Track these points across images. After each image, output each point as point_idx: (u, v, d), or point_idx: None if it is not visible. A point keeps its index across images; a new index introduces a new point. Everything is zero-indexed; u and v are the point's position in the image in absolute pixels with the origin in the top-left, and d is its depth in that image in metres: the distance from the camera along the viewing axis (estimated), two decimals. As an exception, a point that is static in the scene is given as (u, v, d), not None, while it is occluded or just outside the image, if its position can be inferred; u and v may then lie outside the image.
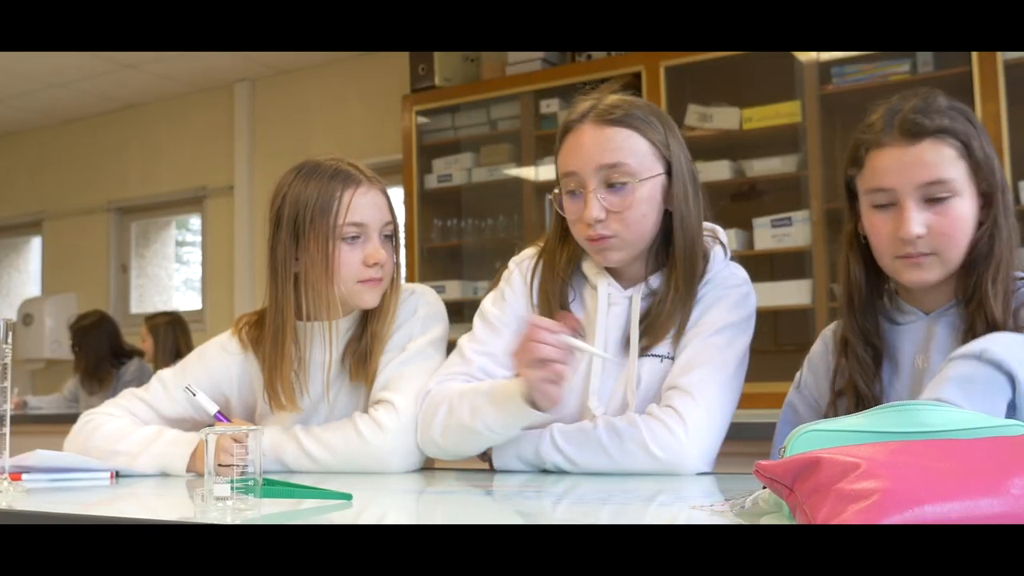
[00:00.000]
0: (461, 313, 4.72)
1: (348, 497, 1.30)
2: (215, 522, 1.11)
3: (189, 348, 5.15)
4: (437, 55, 4.73)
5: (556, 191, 1.71)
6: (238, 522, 1.11)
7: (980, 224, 1.51)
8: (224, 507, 1.16)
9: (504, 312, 1.78)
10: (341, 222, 1.76)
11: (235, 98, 6.08)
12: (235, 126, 6.07)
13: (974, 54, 3.52)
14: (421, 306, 1.90)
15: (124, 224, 6.67)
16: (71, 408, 5.27)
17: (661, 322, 1.67)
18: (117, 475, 1.69)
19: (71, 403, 5.37)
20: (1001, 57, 3.50)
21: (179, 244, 6.84)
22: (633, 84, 4.22)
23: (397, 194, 4.98)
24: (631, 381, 1.66)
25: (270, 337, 1.83)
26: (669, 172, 1.66)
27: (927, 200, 1.49)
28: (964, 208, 1.49)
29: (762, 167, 4.04)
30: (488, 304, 1.81)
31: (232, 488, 1.17)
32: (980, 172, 1.50)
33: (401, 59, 5.03)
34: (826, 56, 3.91)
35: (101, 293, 6.56)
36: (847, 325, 1.61)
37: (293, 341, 1.82)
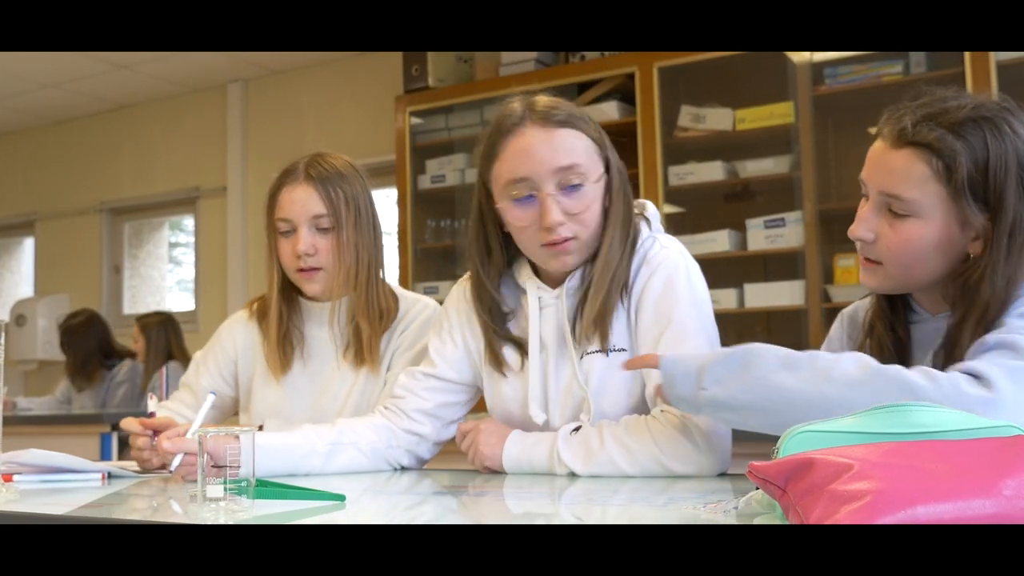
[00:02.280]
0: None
1: (341, 498, 1.30)
2: (208, 523, 1.11)
3: (181, 349, 5.14)
4: (430, 56, 4.73)
5: (477, 203, 1.69)
6: (231, 523, 1.11)
7: (972, 255, 1.38)
8: (217, 508, 1.16)
9: (441, 345, 1.80)
10: (274, 217, 1.96)
11: (228, 99, 6.07)
12: (228, 127, 6.06)
13: (967, 54, 3.53)
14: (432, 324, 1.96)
15: (117, 225, 6.66)
16: (62, 409, 5.25)
17: (591, 318, 1.62)
18: (109, 476, 1.69)
19: (63, 404, 5.35)
20: (994, 57, 3.51)
21: (172, 245, 6.83)
22: (627, 85, 4.22)
23: (390, 195, 4.97)
24: (576, 380, 1.64)
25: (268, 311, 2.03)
26: (608, 169, 1.65)
27: (889, 209, 1.41)
28: (923, 231, 1.38)
29: (755, 168, 4.05)
30: (430, 341, 1.83)
31: (225, 489, 1.17)
32: (967, 202, 1.35)
33: (394, 60, 5.02)
34: (819, 57, 3.92)
35: (94, 294, 6.55)
36: (875, 309, 1.56)
37: (293, 317, 2.02)
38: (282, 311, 2.00)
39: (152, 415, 1.81)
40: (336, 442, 1.72)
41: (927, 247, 1.39)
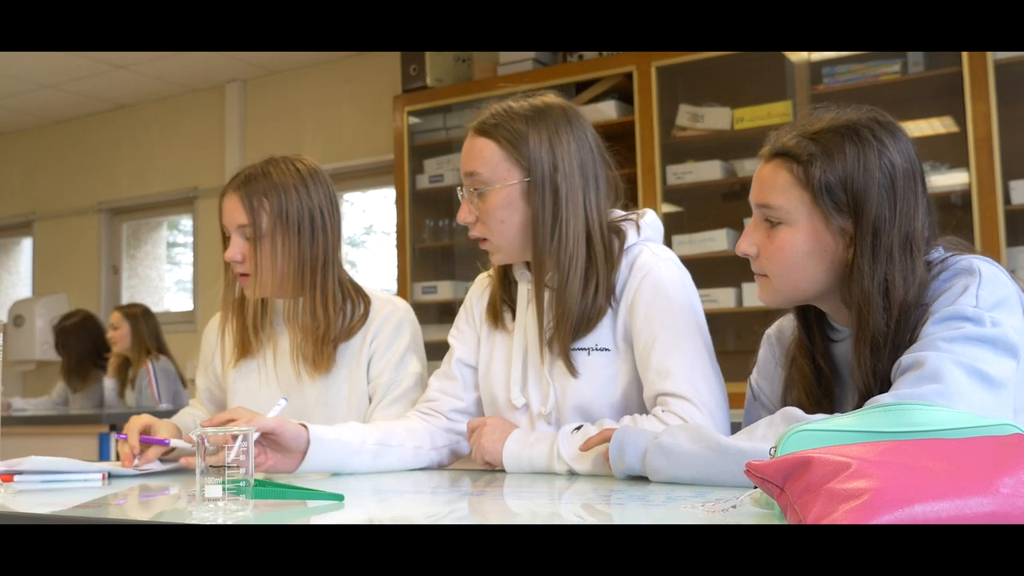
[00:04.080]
0: (452, 313, 4.71)
1: (340, 498, 1.30)
2: (206, 522, 1.11)
3: (163, 342, 5.10)
4: (429, 55, 4.73)
5: None
6: (229, 522, 1.11)
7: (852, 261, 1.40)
8: (215, 508, 1.16)
9: (458, 332, 1.90)
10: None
11: (226, 99, 6.07)
12: (226, 127, 6.06)
13: (964, 54, 3.53)
14: (406, 325, 2.01)
15: (115, 225, 6.66)
16: (58, 410, 5.23)
17: (561, 318, 1.69)
18: (109, 476, 1.69)
19: (59, 405, 5.33)
20: (991, 57, 3.51)
21: (170, 245, 6.82)
22: (625, 84, 4.23)
23: (388, 194, 4.97)
24: (544, 373, 1.72)
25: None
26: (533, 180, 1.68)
27: (766, 220, 1.47)
28: (793, 238, 1.43)
29: (753, 167, 4.02)
30: (450, 333, 1.93)
31: (224, 489, 1.17)
32: (825, 204, 1.40)
33: (393, 59, 5.02)
34: (817, 56, 3.92)
35: (92, 294, 6.54)
36: (796, 339, 1.59)
37: (260, 312, 2.03)
38: (243, 304, 2.05)
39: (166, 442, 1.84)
40: (383, 443, 1.75)
41: (800, 253, 1.43)
